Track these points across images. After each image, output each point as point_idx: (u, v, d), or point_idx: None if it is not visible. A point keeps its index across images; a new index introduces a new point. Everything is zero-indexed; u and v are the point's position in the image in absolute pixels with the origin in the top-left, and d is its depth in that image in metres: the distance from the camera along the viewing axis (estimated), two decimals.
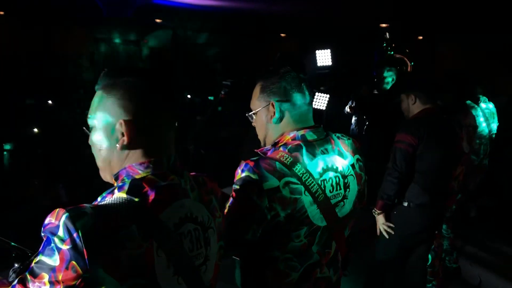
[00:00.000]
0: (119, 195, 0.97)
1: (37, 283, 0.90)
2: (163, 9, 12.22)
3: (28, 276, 0.92)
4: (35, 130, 8.11)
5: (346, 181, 1.53)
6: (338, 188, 1.50)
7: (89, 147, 1.11)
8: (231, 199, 1.42)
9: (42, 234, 0.92)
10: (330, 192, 1.47)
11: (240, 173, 1.40)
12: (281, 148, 1.44)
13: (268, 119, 1.53)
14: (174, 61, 16.83)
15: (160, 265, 0.97)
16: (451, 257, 3.97)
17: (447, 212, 3.89)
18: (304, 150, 1.43)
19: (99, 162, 1.10)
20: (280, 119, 1.51)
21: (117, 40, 12.86)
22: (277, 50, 16.44)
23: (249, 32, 15.68)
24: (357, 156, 1.61)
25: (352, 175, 1.56)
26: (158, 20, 14.40)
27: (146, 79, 1.05)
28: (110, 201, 0.96)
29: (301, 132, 1.48)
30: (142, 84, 1.04)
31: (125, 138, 1.02)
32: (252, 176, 1.36)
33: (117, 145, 1.03)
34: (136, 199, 0.97)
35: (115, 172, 1.06)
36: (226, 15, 12.71)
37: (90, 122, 1.08)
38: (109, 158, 1.06)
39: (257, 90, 1.56)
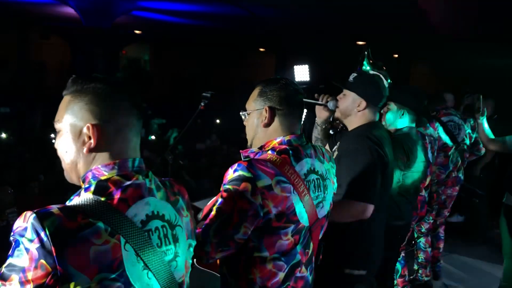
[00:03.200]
0: (85, 195, 1.01)
1: (7, 286, 0.91)
2: (143, 21, 12.21)
3: None
4: (3, 135, 7.91)
5: (325, 183, 1.62)
6: (319, 190, 1.58)
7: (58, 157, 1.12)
8: (220, 199, 1.44)
9: (11, 238, 0.94)
10: (313, 193, 1.55)
11: (233, 173, 1.43)
12: (269, 152, 1.51)
13: (259, 122, 1.59)
14: (151, 72, 16.79)
15: (128, 260, 0.99)
16: (424, 270, 4.01)
17: (423, 226, 3.97)
18: (291, 153, 1.51)
19: (65, 165, 1.12)
20: (270, 124, 1.58)
21: (95, 50, 12.74)
22: (256, 64, 16.60)
23: (228, 46, 15.78)
24: (331, 163, 1.70)
25: (329, 179, 1.65)
26: (137, 32, 14.38)
27: (114, 86, 1.09)
28: (77, 202, 0.99)
29: (287, 137, 1.56)
30: (110, 90, 1.07)
31: (92, 141, 1.05)
32: (246, 174, 1.40)
33: (84, 148, 1.06)
34: (102, 199, 1.00)
35: (82, 174, 1.08)
36: (206, 29, 12.78)
37: (57, 126, 1.10)
38: (76, 161, 1.09)
39: (255, 92, 1.61)
